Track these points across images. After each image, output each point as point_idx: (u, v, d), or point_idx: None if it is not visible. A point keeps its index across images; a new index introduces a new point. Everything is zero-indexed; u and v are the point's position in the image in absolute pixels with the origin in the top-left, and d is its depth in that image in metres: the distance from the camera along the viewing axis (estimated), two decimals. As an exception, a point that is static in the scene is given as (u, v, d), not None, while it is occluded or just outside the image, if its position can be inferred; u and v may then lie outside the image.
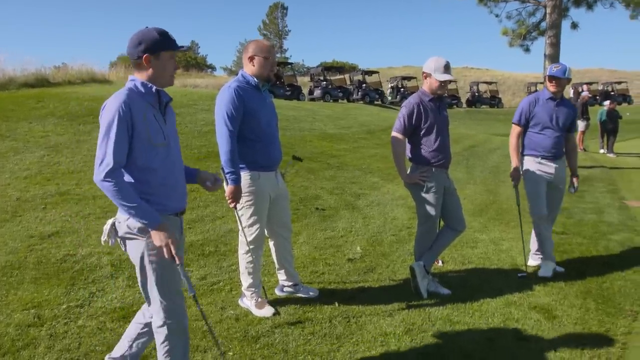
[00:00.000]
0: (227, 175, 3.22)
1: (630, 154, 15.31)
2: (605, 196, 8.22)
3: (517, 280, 4.25)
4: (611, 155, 14.88)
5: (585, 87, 25.96)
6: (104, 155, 2.11)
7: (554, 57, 11.21)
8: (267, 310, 3.52)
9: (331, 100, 28.47)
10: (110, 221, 2.33)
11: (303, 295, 3.84)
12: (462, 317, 3.54)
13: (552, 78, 4.31)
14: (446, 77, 3.67)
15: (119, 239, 2.33)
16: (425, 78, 3.76)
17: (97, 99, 11.75)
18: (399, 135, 3.75)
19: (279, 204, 3.60)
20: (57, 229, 4.79)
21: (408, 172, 3.85)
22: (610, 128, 15.30)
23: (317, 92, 28.99)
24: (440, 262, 4.64)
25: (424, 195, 3.79)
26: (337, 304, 3.70)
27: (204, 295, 3.85)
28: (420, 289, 3.82)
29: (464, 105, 36.33)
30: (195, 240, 4.99)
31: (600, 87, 39.83)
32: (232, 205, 3.30)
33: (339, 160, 9.82)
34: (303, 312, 3.58)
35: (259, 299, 3.59)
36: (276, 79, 28.10)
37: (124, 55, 45.06)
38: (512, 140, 4.56)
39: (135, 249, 2.28)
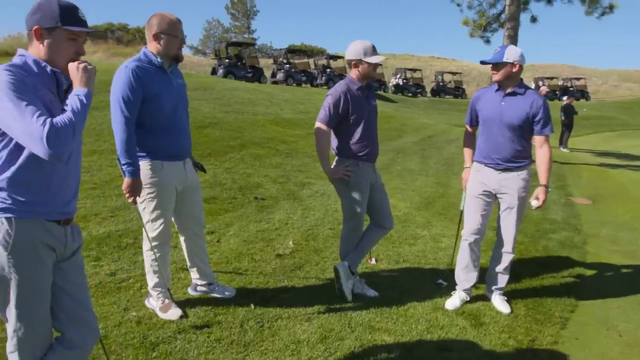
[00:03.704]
0: (124, 167, 2.83)
1: (583, 149, 15.59)
2: (553, 192, 8.19)
3: (450, 281, 3.98)
4: (565, 150, 15.11)
5: (544, 81, 26.41)
6: None
7: (512, 50, 11.11)
8: (173, 313, 3.19)
9: (294, 84, 27.96)
10: None
11: (218, 296, 3.53)
12: (384, 323, 3.30)
13: (492, 65, 3.45)
14: (378, 58, 3.38)
15: None
16: (355, 66, 3.44)
17: None
18: (324, 126, 3.40)
19: (189, 197, 3.24)
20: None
21: (332, 167, 3.55)
22: (565, 123, 15.52)
23: (280, 75, 28.38)
24: (373, 260, 4.40)
25: (348, 191, 3.50)
26: (252, 306, 3.40)
27: (109, 293, 3.49)
28: (345, 291, 3.56)
29: (429, 94, 36.42)
30: (114, 231, 4.60)
31: (560, 83, 40.64)
32: (130, 199, 2.93)
33: (289, 146, 9.49)
34: (214, 314, 3.27)
35: (166, 300, 3.26)
36: (237, 60, 27.31)
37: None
38: (464, 139, 3.85)
39: None
